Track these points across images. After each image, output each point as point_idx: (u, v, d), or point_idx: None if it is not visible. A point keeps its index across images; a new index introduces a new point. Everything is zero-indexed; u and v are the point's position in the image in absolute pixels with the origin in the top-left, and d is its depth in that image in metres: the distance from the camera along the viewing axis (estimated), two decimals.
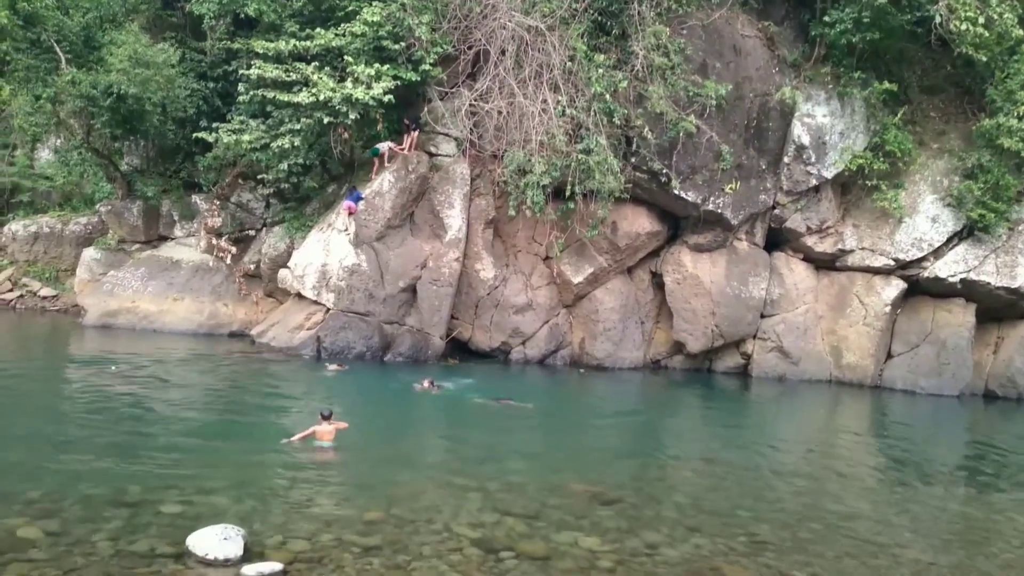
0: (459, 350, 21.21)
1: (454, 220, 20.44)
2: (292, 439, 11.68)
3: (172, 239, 23.74)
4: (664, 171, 19.89)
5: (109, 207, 23.77)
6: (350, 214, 19.45)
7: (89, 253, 23.79)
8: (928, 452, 15.67)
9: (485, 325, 21.05)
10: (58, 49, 20.50)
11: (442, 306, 20.32)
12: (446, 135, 20.95)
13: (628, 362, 21.46)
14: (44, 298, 24.89)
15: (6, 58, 20.94)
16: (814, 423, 18.14)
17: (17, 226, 25.53)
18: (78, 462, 9.97)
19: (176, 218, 23.55)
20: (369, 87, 18.43)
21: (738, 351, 21.97)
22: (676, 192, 20.20)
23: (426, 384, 16.18)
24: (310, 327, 20.09)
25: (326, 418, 11.80)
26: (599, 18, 19.58)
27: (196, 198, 23.37)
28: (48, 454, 10.26)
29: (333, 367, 18.01)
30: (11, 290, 25.12)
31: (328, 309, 19.95)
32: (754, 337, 21.75)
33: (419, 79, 19.56)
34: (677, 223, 21.77)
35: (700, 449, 14.17)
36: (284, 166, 20.07)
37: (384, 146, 19.89)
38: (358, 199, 19.58)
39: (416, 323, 20.33)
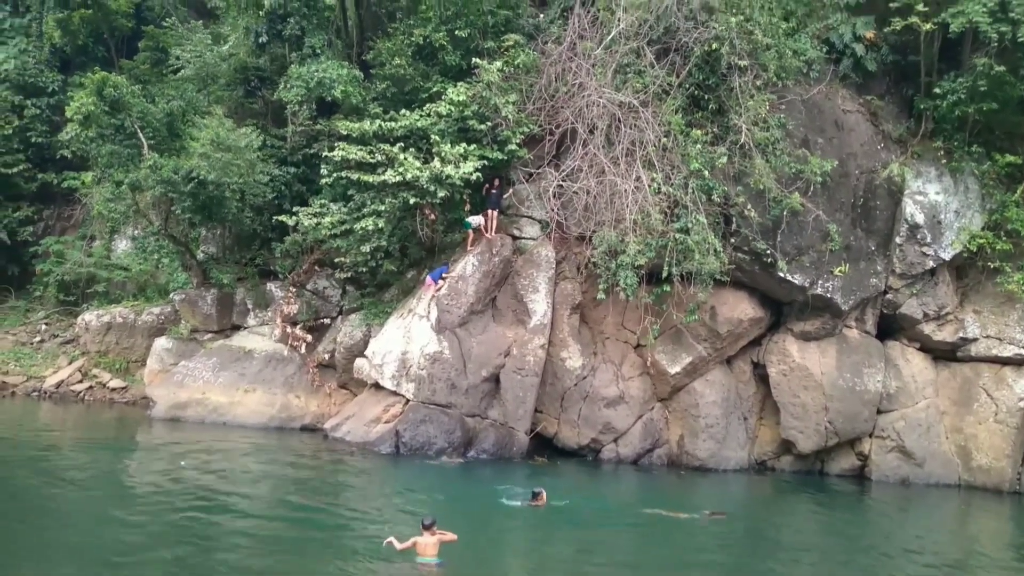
0: (545, 447, 19.53)
1: (539, 305, 19.26)
2: (394, 542, 10.22)
3: (245, 328, 23.05)
4: (768, 252, 18.48)
5: (183, 296, 23.34)
6: (432, 290, 18.50)
7: (160, 343, 23.21)
8: None
9: (572, 419, 19.39)
10: (141, 135, 20.54)
11: (527, 397, 18.86)
12: (530, 217, 20.10)
13: (732, 462, 19.43)
14: (113, 389, 24.25)
15: (90, 145, 21.03)
16: (963, 536, 15.81)
17: (90, 316, 25.23)
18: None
19: (250, 306, 22.92)
20: (457, 166, 17.76)
21: (853, 451, 19.80)
22: (782, 275, 18.70)
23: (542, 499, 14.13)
24: (388, 420, 18.84)
25: (428, 528, 10.28)
26: (695, 92, 18.76)
27: (271, 286, 22.78)
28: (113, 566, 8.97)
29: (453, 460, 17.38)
30: (80, 381, 24.60)
31: (407, 400, 18.72)
32: (871, 436, 19.60)
33: (506, 159, 18.90)
34: (779, 309, 20.14)
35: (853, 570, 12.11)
36: (367, 248, 19.32)
37: (476, 220, 19.09)
38: (440, 275, 18.63)
39: (499, 416, 18.88)
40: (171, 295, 24.13)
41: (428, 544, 10.28)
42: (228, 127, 19.97)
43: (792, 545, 14.00)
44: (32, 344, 26.09)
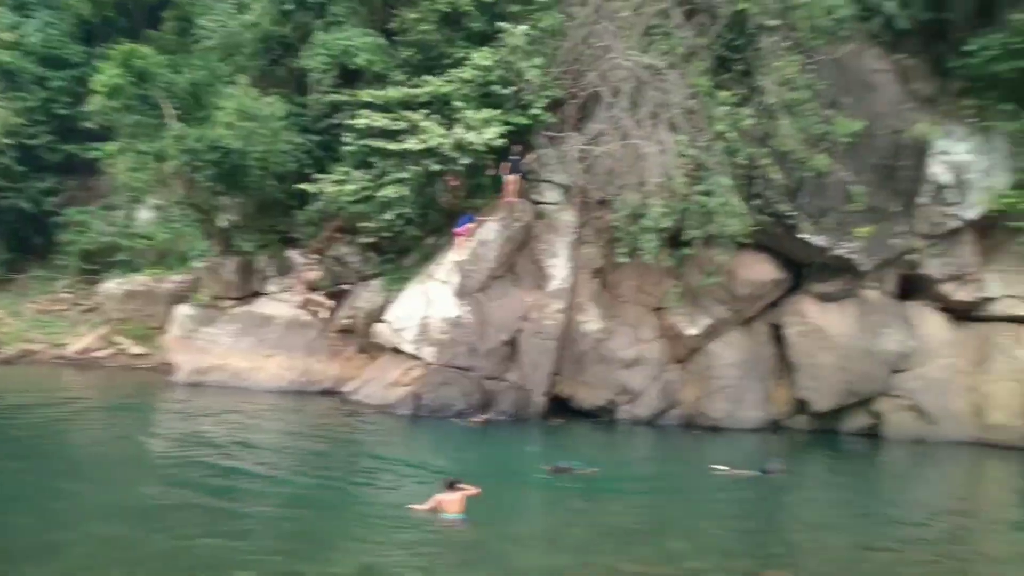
0: (561, 408, 19.77)
1: (558, 270, 19.42)
2: (416, 507, 10.41)
3: (266, 294, 23.27)
4: (791, 213, 18.53)
5: (205, 263, 23.55)
6: (466, 238, 19.00)
7: (182, 310, 23.44)
8: None
9: (589, 381, 19.62)
10: (167, 105, 20.60)
11: (544, 361, 19.07)
12: (551, 182, 20.15)
13: (748, 422, 19.64)
14: (135, 356, 24.54)
15: (115, 116, 21.11)
16: (970, 493, 16.05)
17: (112, 284, 25.51)
18: (179, 541, 8.95)
19: (272, 273, 23.09)
20: (480, 132, 17.79)
21: (867, 410, 19.97)
22: (804, 236, 18.76)
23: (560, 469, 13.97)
24: (407, 383, 19.11)
25: (451, 486, 10.41)
26: (723, 53, 18.66)
27: (292, 253, 22.93)
28: (144, 532, 9.28)
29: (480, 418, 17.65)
30: (103, 348, 24.91)
31: (428, 364, 18.95)
32: (886, 395, 19.78)
33: (529, 123, 18.90)
34: (799, 271, 20.23)
35: (873, 525, 12.32)
36: (389, 216, 19.42)
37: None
38: (468, 221, 18.92)
39: (517, 379, 19.10)
40: (193, 263, 24.34)
41: (452, 501, 10.33)
42: (253, 96, 19.98)
43: (820, 500, 14.22)
44: (55, 312, 26.41)
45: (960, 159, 19.39)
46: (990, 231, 19.99)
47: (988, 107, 19.26)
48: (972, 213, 19.41)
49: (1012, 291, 19.55)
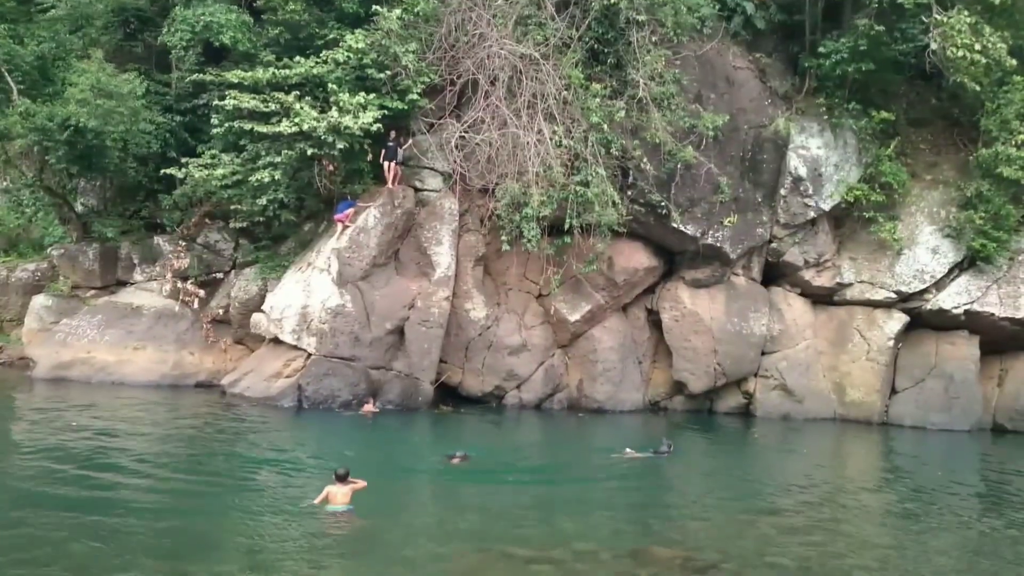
0: (449, 396, 19.83)
1: (443, 257, 19.30)
2: (312, 502, 10.38)
3: (131, 284, 21.97)
4: (663, 203, 19.16)
5: (62, 251, 21.95)
6: (343, 225, 18.59)
7: (39, 300, 21.87)
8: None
9: (477, 368, 19.75)
10: (9, 79, 18.96)
11: (432, 349, 19.01)
12: (432, 169, 19.97)
13: (628, 404, 20.32)
14: None
15: None
16: (834, 464, 17.22)
17: None
18: (49, 545, 8.37)
19: (136, 261, 21.81)
20: (356, 116, 17.34)
21: (739, 390, 21.05)
22: (675, 225, 19.44)
23: (457, 458, 13.81)
24: (289, 375, 18.60)
25: (341, 478, 10.41)
26: (595, 46, 18.96)
27: (159, 239, 21.69)
28: (7, 538, 8.62)
29: (368, 408, 17.72)
30: None
31: (309, 355, 18.49)
32: (756, 375, 20.89)
33: (406, 109, 18.57)
34: (672, 258, 20.98)
35: (752, 497, 13.00)
36: (263, 201, 18.68)
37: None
38: (349, 206, 18.57)
39: (404, 368, 18.96)
40: (48, 250, 22.68)
41: (338, 493, 10.37)
42: (109, 72, 18.66)
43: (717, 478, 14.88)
44: None
45: (815, 153, 20.54)
46: (844, 221, 21.33)
47: (837, 105, 20.49)
48: (827, 204, 20.62)
49: (864, 277, 20.91)
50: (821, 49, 19.92)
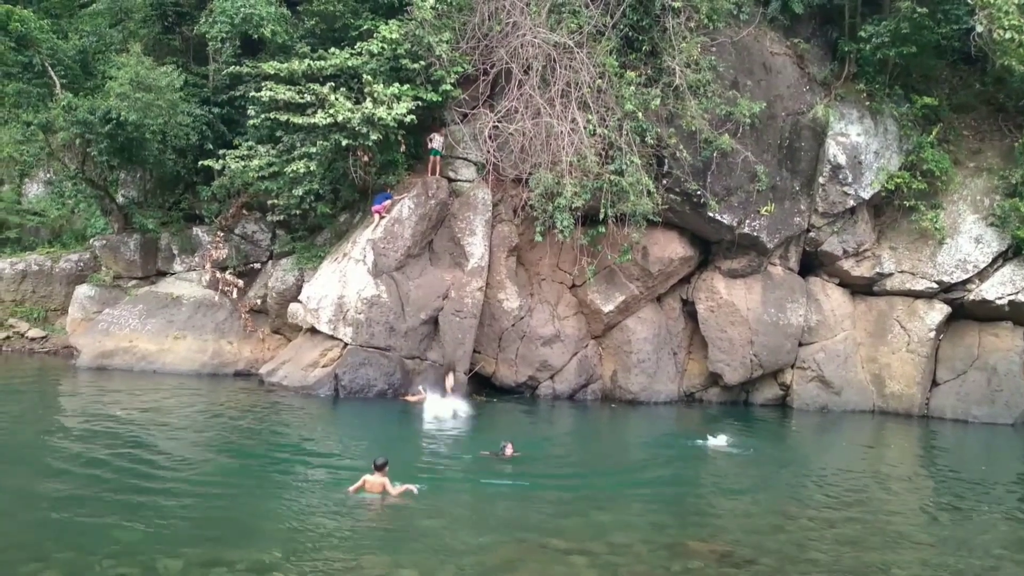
0: (483, 386, 19.88)
1: (476, 248, 19.32)
2: (349, 489, 10.57)
3: (171, 274, 22.40)
4: (699, 192, 18.92)
5: (104, 241, 22.43)
6: (379, 215, 18.77)
7: (82, 291, 22.35)
8: None
9: (510, 359, 19.78)
10: (52, 73, 19.32)
11: (465, 339, 19.06)
12: (465, 159, 19.97)
13: (663, 395, 20.21)
14: (33, 339, 23.34)
15: None
16: (874, 457, 16.92)
17: (3, 264, 24.03)
18: (96, 529, 8.55)
19: (176, 252, 22.23)
20: (390, 107, 17.39)
21: (776, 382, 20.83)
22: (711, 214, 19.21)
23: (508, 450, 13.39)
24: (326, 364, 18.78)
25: (379, 468, 10.52)
26: (629, 34, 18.76)
27: (197, 230, 22.09)
28: (57, 521, 8.85)
29: (414, 398, 17.83)
30: None
31: (345, 344, 18.66)
32: (792, 367, 20.63)
33: (440, 99, 18.57)
34: (708, 248, 20.76)
35: (791, 490, 12.82)
36: (299, 192, 18.86)
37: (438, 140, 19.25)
38: (387, 198, 18.69)
39: (438, 358, 19.05)
40: (91, 241, 23.17)
41: (375, 483, 10.46)
42: (148, 65, 18.94)
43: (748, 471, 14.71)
44: None
45: (855, 140, 20.12)
46: (884, 209, 20.92)
47: (878, 91, 20.04)
48: (867, 192, 20.22)
49: (904, 267, 20.52)
50: (861, 33, 19.50)
